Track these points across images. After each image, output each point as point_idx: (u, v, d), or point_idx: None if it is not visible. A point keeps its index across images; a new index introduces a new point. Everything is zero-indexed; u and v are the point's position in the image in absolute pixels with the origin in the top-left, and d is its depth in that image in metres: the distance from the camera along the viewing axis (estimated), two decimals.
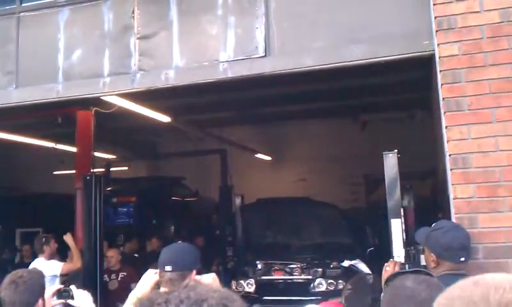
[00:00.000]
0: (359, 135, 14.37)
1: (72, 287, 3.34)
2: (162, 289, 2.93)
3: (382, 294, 2.06)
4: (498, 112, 3.44)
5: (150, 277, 3.08)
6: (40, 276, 3.25)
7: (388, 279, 2.88)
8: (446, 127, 3.55)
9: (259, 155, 15.22)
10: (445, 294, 1.10)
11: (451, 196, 3.56)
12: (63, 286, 3.38)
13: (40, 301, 3.09)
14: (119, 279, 7.68)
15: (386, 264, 3.71)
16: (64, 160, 13.78)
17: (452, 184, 3.50)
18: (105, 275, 7.70)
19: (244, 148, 14.42)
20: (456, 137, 3.51)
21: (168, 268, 2.90)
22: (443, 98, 3.57)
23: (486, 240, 3.36)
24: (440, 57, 3.61)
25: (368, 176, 15.05)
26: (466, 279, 1.10)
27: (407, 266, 3.88)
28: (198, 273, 3.03)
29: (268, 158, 15.62)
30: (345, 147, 14.44)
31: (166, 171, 15.18)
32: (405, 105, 12.81)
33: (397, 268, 3.57)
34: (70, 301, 3.29)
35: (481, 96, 3.47)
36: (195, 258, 3.08)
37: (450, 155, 3.52)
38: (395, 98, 12.00)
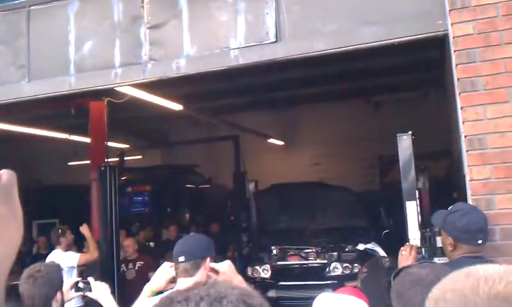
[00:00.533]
0: (372, 116, 14.29)
1: (90, 279, 3.37)
2: (178, 280, 2.95)
3: (392, 285, 2.07)
4: None
5: (166, 271, 3.09)
6: (57, 269, 3.28)
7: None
8: (461, 108, 3.50)
9: (272, 140, 15.20)
10: (439, 286, 1.11)
11: (467, 178, 3.52)
12: (80, 278, 3.41)
13: (59, 294, 3.12)
14: (136, 268, 7.70)
15: (402, 248, 3.69)
16: (78, 151, 13.88)
17: (468, 165, 3.46)
18: (123, 265, 7.74)
19: (257, 134, 14.40)
20: (472, 118, 3.46)
21: (181, 258, 2.92)
22: (458, 79, 3.52)
23: (503, 221, 3.32)
24: (454, 37, 3.55)
25: (382, 157, 14.97)
26: (460, 271, 1.10)
27: (423, 249, 3.87)
28: (213, 261, 3.05)
29: (281, 143, 15.59)
30: (358, 129, 14.36)
31: (179, 159, 15.22)
32: (418, 85, 12.71)
33: (413, 252, 3.56)
34: (88, 293, 3.32)
35: (497, 75, 3.41)
36: (208, 246, 3.10)
37: (466, 136, 3.48)
38: (408, 78, 11.90)
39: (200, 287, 1.09)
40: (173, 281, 3.06)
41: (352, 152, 14.76)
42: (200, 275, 2.93)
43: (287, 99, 13.32)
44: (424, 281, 1.85)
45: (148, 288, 3.10)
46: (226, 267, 3.06)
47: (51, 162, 15.24)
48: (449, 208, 3.19)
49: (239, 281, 3.09)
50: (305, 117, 14.82)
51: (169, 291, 1.16)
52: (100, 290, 3.29)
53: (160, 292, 3.21)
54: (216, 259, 3.11)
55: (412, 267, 2.04)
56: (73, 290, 3.33)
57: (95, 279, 3.41)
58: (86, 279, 3.38)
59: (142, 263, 7.73)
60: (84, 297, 3.38)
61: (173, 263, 3.04)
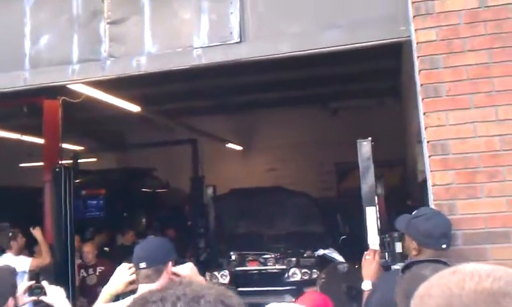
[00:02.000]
0: (329, 123, 14.43)
1: (44, 283, 3.24)
2: (140, 286, 2.87)
3: (398, 283, 2.04)
4: (476, 98, 3.43)
5: (124, 273, 3.01)
6: (10, 274, 3.13)
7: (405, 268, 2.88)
8: (424, 113, 3.53)
9: (230, 145, 15.15)
10: (425, 283, 1.11)
11: (430, 183, 3.55)
12: (34, 282, 3.26)
13: (11, 300, 2.97)
14: (97, 273, 7.66)
15: (366, 253, 3.69)
16: (31, 153, 13.47)
17: (431, 171, 3.49)
18: (82, 270, 7.69)
19: (215, 138, 14.33)
20: (434, 124, 3.49)
21: (143, 264, 2.86)
22: (422, 85, 3.55)
23: (465, 226, 3.36)
24: (417, 43, 3.58)
25: (339, 164, 15.13)
26: (446, 269, 1.11)
27: (386, 254, 3.88)
28: (175, 264, 2.98)
29: (239, 148, 15.56)
30: (315, 135, 14.48)
31: (135, 163, 14.97)
32: (374, 94, 12.93)
33: (377, 257, 3.56)
34: (42, 298, 3.18)
35: (459, 82, 3.46)
36: (169, 250, 3.05)
37: (428, 142, 3.50)
38: (365, 86, 12.09)
39: (175, 287, 1.04)
40: (132, 283, 2.98)
41: (309, 158, 14.87)
42: (163, 281, 2.87)
43: (245, 104, 13.30)
44: None
45: (107, 291, 3.02)
46: (188, 270, 3.02)
47: (2, 163, 14.73)
48: (413, 213, 3.21)
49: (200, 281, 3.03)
50: (264, 122, 14.84)
51: (140, 293, 1.09)
52: (55, 294, 3.16)
53: (119, 295, 3.12)
54: (177, 263, 3.05)
55: (427, 267, 2.01)
56: (26, 294, 3.18)
57: (50, 284, 3.28)
58: (40, 283, 3.24)
59: (103, 268, 7.66)
60: (38, 301, 3.22)
61: (131, 265, 2.97)
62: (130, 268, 2.98)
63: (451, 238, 3.06)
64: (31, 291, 3.16)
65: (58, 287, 3.25)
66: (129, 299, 2.91)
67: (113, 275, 3.08)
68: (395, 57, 9.16)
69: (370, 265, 3.50)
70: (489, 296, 0.98)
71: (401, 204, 10.16)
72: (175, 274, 2.95)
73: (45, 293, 3.15)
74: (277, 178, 13.86)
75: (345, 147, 12.00)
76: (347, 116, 14.09)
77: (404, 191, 12.21)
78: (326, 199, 13.05)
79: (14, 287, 3.06)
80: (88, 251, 7.87)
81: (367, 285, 3.44)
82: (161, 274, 2.86)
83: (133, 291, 2.98)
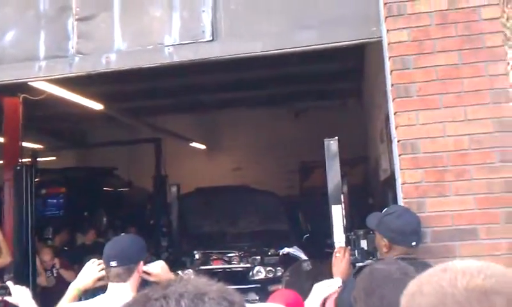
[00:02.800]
0: (293, 123, 14.54)
1: (9, 283, 3.17)
2: (110, 285, 2.83)
3: (356, 282, 2.04)
4: (445, 98, 3.52)
5: (93, 269, 2.97)
6: None
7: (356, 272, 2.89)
8: (395, 113, 3.60)
9: (194, 144, 15.07)
10: (415, 281, 1.12)
11: (399, 181, 3.62)
12: None
13: None
14: (55, 275, 7.55)
15: (335, 250, 3.73)
16: None
17: (401, 169, 3.55)
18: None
19: (178, 137, 14.24)
20: (405, 123, 3.56)
21: (114, 263, 2.83)
22: (393, 85, 3.61)
23: (434, 223, 3.44)
24: (389, 44, 3.64)
25: (303, 163, 15.26)
26: (436, 267, 1.12)
27: (356, 251, 3.93)
28: (146, 262, 2.96)
29: (203, 147, 15.50)
30: (279, 135, 14.56)
31: (96, 161, 14.72)
32: (337, 95, 13.12)
33: (347, 255, 3.60)
34: (7, 298, 3.11)
35: (429, 82, 3.54)
36: (140, 249, 3.02)
37: (399, 141, 3.57)
38: (328, 87, 12.25)
39: (176, 284, 1.04)
40: (101, 279, 2.94)
41: (273, 158, 14.94)
42: (133, 280, 2.85)
43: (209, 103, 13.26)
44: (392, 276, 1.84)
45: (75, 286, 2.98)
46: (159, 268, 3.00)
47: None
48: (384, 210, 3.26)
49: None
50: (228, 121, 14.83)
51: (141, 291, 1.08)
52: (21, 294, 3.10)
53: (87, 291, 3.08)
54: (148, 262, 3.03)
55: (376, 263, 2.03)
56: None
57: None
58: (5, 283, 3.17)
59: (60, 269, 7.59)
60: (3, 301, 3.14)
61: (100, 261, 2.93)
62: (99, 264, 2.95)
63: (421, 235, 3.13)
64: None
65: (23, 287, 3.18)
66: (98, 298, 2.87)
67: (82, 271, 3.04)
68: (357, 59, 9.33)
69: (340, 262, 3.54)
70: (481, 294, 0.99)
71: (363, 203, 10.34)
72: (145, 272, 2.93)
73: (9, 294, 3.09)
74: (242, 177, 13.87)
75: (308, 146, 12.19)
76: (310, 116, 14.23)
77: (366, 189, 12.41)
78: (290, 197, 13.14)
79: None
80: (47, 258, 7.73)
81: (337, 282, 3.47)
82: (132, 273, 2.84)
83: (102, 288, 2.95)
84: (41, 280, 7.42)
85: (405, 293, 1.12)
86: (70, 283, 3.15)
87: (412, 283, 1.12)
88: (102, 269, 2.92)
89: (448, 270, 1.06)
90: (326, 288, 2.16)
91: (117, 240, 3.18)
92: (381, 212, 3.37)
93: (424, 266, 2.40)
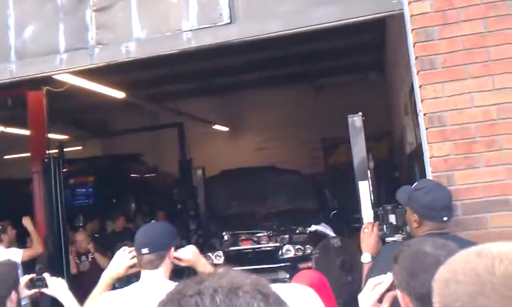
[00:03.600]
0: (314, 100, 14.45)
1: (46, 275, 3.20)
2: (142, 272, 2.85)
3: (397, 260, 2.00)
4: (472, 68, 3.43)
5: (125, 257, 2.99)
6: (11, 268, 3.10)
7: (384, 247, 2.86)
8: (420, 86, 3.53)
9: (216, 127, 15.10)
10: (447, 266, 1.08)
11: (427, 155, 3.56)
12: (35, 275, 3.22)
13: (13, 294, 2.95)
14: (89, 260, 7.70)
15: (363, 226, 3.70)
16: (14, 144, 13.30)
17: (429, 143, 3.49)
18: (75, 258, 7.74)
19: (201, 120, 14.28)
20: (431, 96, 3.49)
21: (145, 250, 2.83)
22: (416, 57, 3.54)
23: (464, 196, 3.38)
24: (411, 16, 3.56)
25: (325, 139, 15.19)
26: (468, 250, 1.07)
27: (385, 226, 3.89)
28: (176, 248, 2.97)
29: (226, 129, 15.53)
30: (301, 113, 14.51)
31: (121, 149, 14.88)
32: (358, 68, 12.96)
33: (375, 230, 3.57)
34: (44, 290, 3.15)
35: (455, 53, 3.45)
36: (171, 235, 3.03)
37: (425, 114, 3.51)
38: (348, 61, 12.10)
39: (210, 278, 1.02)
40: (132, 266, 2.97)
41: (295, 136, 14.90)
42: (165, 266, 2.87)
43: (230, 84, 13.25)
44: (439, 264, 1.80)
45: (107, 275, 3.00)
46: (189, 254, 3.01)
47: None
48: (414, 185, 3.21)
49: (203, 264, 3.04)
50: (249, 102, 14.81)
51: (173, 284, 1.07)
52: (57, 286, 3.14)
53: (121, 279, 3.11)
54: (179, 247, 3.04)
55: (426, 244, 1.97)
56: (27, 287, 3.15)
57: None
58: (41, 275, 3.21)
59: (95, 254, 7.74)
60: (40, 293, 3.19)
61: (131, 249, 2.95)
62: (130, 251, 2.97)
63: (452, 210, 3.07)
64: (32, 283, 3.13)
65: (59, 279, 3.23)
66: (132, 286, 2.91)
67: (113, 258, 3.06)
68: (378, 30, 9.18)
69: (369, 237, 3.50)
70: None
71: (389, 176, 10.26)
72: (177, 258, 2.95)
73: (46, 285, 3.13)
74: (266, 157, 13.88)
75: (331, 123, 12.12)
76: (331, 92, 14.12)
77: (392, 163, 12.31)
78: (314, 175, 13.12)
79: (16, 281, 3.03)
80: (82, 239, 7.89)
81: (366, 258, 3.45)
82: (164, 259, 2.85)
83: (135, 275, 2.97)
84: (71, 267, 7.61)
85: (437, 279, 1.08)
86: (103, 268, 3.18)
87: (444, 269, 1.08)
88: (134, 257, 2.93)
89: (483, 256, 1.02)
90: (381, 285, 2.13)
91: (148, 227, 3.18)
92: (411, 185, 3.32)
93: (462, 243, 2.36)
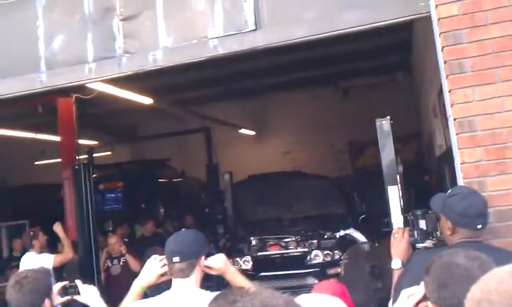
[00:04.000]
0: (341, 102, 14.36)
1: (78, 282, 3.25)
2: (174, 281, 2.86)
3: (429, 271, 1.98)
4: (502, 71, 3.36)
5: (155, 265, 3.00)
6: (45, 275, 3.15)
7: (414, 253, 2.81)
8: (449, 91, 3.47)
9: (243, 131, 15.13)
10: (480, 285, 1.06)
11: (458, 161, 3.49)
12: (68, 282, 3.27)
13: (47, 301, 3.00)
14: (121, 264, 7.77)
15: (393, 231, 3.65)
16: (44, 150, 13.54)
17: (459, 148, 3.43)
18: (107, 261, 7.84)
19: (228, 124, 14.32)
20: (461, 100, 3.42)
21: (176, 259, 2.84)
22: (445, 61, 3.48)
23: (496, 203, 3.31)
24: (439, 19, 3.50)
25: (352, 143, 15.08)
26: (502, 269, 1.05)
27: (415, 232, 3.83)
28: (207, 256, 2.98)
29: (252, 133, 15.54)
30: (327, 115, 14.44)
31: (149, 154, 15.03)
32: (385, 70, 12.82)
33: (406, 236, 3.50)
34: (76, 297, 3.19)
35: (484, 56, 3.39)
36: (202, 244, 3.04)
37: (455, 119, 3.44)
38: (375, 63, 11.98)
39: (243, 298, 1.02)
40: (163, 275, 2.97)
41: (322, 139, 14.83)
42: (196, 275, 2.87)
43: (256, 88, 13.25)
44: (472, 277, 1.77)
45: (138, 283, 3.01)
46: (220, 263, 3.01)
47: (17, 162, 14.82)
48: (449, 191, 3.15)
49: (232, 272, 3.04)
50: (275, 106, 14.81)
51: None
52: (89, 293, 3.18)
53: (152, 287, 3.12)
54: (209, 255, 3.04)
55: (458, 255, 1.93)
56: (60, 294, 3.19)
57: (74, 279, 3.30)
58: (74, 282, 3.25)
59: (126, 258, 7.78)
60: (72, 300, 3.23)
61: (162, 257, 2.96)
62: (161, 260, 2.98)
63: (487, 218, 2.99)
64: (64, 291, 3.17)
65: (91, 286, 3.26)
66: (164, 295, 2.92)
67: (144, 267, 3.07)
68: (405, 31, 9.07)
69: (399, 243, 3.43)
70: None
71: (418, 179, 10.12)
72: (207, 266, 2.96)
73: (78, 293, 3.17)
74: (292, 161, 13.86)
75: (358, 125, 12.03)
76: (358, 94, 14.01)
77: (420, 166, 12.14)
78: (342, 178, 13.02)
79: (49, 288, 3.08)
80: (115, 241, 7.96)
81: (396, 264, 3.39)
82: (194, 267, 2.86)
83: (166, 284, 2.99)
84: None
85: (469, 298, 1.06)
86: (133, 272, 3.20)
87: (477, 288, 1.06)
88: (165, 265, 2.95)
89: None
90: (414, 296, 2.10)
91: (178, 235, 3.19)
92: (443, 191, 3.26)
93: (496, 253, 2.29)
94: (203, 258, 2.93)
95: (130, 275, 3.18)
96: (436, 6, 3.53)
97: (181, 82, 10.74)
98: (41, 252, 6.96)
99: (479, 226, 2.89)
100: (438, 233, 3.48)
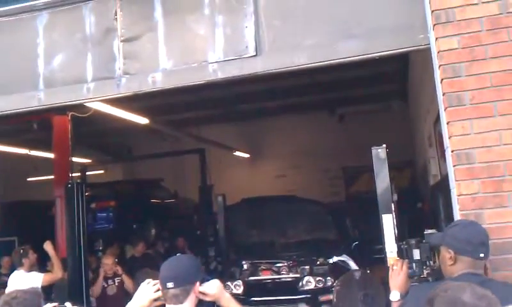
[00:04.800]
0: (336, 128, 14.42)
1: (67, 304, 3.21)
2: (168, 306, 2.83)
3: (432, 304, 1.95)
4: (500, 105, 3.38)
5: (148, 290, 2.97)
6: (36, 296, 3.10)
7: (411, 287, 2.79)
8: (448, 123, 3.48)
9: (237, 153, 15.13)
10: None
11: (455, 193, 3.50)
12: (57, 303, 3.22)
13: None
14: (116, 284, 7.75)
15: (392, 263, 3.62)
16: (37, 167, 13.46)
17: (456, 180, 3.43)
18: (102, 281, 7.82)
19: (222, 146, 14.32)
20: (458, 133, 3.44)
21: (170, 284, 2.81)
22: (444, 93, 3.50)
23: (493, 236, 3.29)
24: (438, 52, 3.53)
25: (346, 168, 15.11)
26: None
27: (414, 264, 3.80)
28: (201, 282, 2.95)
29: (247, 155, 15.54)
30: (323, 141, 14.49)
31: (142, 174, 14.97)
32: (381, 97, 12.91)
33: (404, 268, 3.48)
34: None
35: (483, 89, 3.41)
36: (196, 270, 3.01)
37: (453, 151, 3.45)
38: (371, 90, 12.07)
39: None
40: (156, 300, 2.94)
41: (317, 164, 14.85)
42: (190, 301, 2.84)
43: (252, 112, 13.30)
44: None
45: None
46: (214, 289, 2.98)
47: (8, 178, 14.70)
48: (448, 226, 3.15)
49: (227, 299, 3.01)
50: (270, 129, 14.85)
51: None
52: None
53: None
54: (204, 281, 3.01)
55: (464, 292, 1.90)
56: None
57: (63, 298, 3.26)
58: (63, 304, 3.21)
59: (121, 278, 7.79)
60: None
61: (155, 282, 2.93)
62: (154, 284, 2.95)
63: (489, 247, 2.97)
64: None
65: None
66: None
67: (137, 292, 3.04)
68: (402, 60, 9.16)
69: (397, 275, 3.41)
70: None
71: (411, 207, 10.12)
72: (202, 293, 2.93)
73: None
74: (286, 184, 13.85)
75: (352, 151, 12.07)
76: (353, 120, 14.08)
77: (414, 193, 12.16)
78: (335, 204, 13.02)
79: None
80: (109, 262, 7.93)
81: (395, 296, 3.36)
82: (189, 294, 2.83)
83: None
84: (96, 290, 7.62)
85: None
86: (129, 293, 3.17)
87: None
88: (158, 290, 2.92)
89: None
90: None
91: (173, 260, 3.15)
92: (438, 221, 3.26)
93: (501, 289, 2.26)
94: (197, 284, 2.90)
95: (125, 296, 3.14)
96: (436, 38, 3.57)
97: (178, 103, 10.76)
98: (30, 270, 6.88)
99: (482, 255, 2.87)
100: (431, 262, 3.46)
